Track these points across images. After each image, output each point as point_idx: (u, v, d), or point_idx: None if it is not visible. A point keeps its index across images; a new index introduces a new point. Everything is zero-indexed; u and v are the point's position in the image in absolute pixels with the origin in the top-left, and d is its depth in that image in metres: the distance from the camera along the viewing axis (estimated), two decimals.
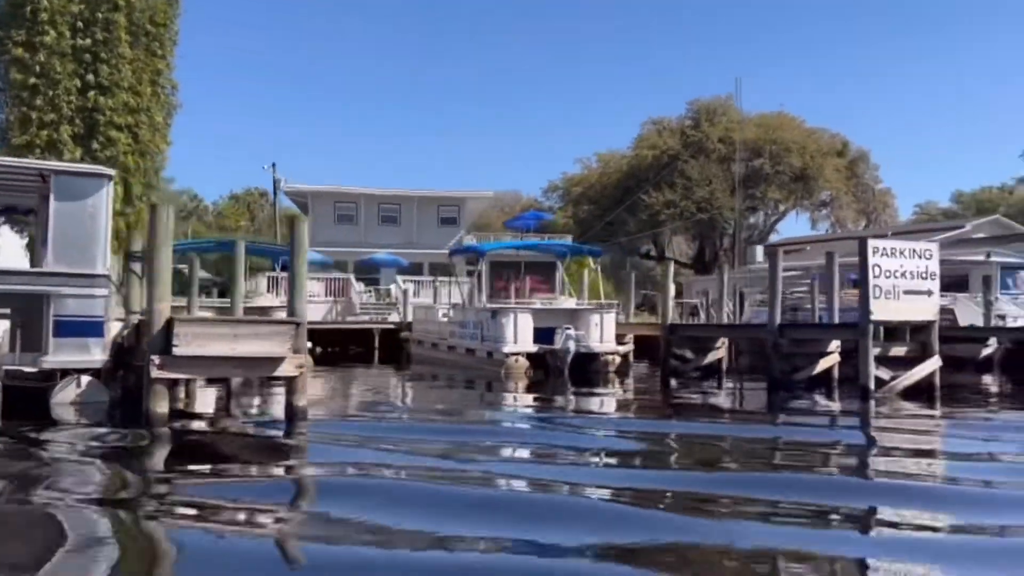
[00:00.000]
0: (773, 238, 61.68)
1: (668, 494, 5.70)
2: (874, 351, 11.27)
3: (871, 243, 11.13)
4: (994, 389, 16.04)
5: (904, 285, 11.15)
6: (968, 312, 21.06)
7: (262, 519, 4.83)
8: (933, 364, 11.43)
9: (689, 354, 16.06)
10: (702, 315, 28.35)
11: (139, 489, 5.52)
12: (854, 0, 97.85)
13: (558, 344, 14.55)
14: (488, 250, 17.02)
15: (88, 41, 20.77)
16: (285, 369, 7.31)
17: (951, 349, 20.10)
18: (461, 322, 16.73)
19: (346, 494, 5.39)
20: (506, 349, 14.50)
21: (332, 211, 35.98)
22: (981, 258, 22.31)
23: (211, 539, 4.41)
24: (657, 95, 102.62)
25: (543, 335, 14.99)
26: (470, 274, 37.59)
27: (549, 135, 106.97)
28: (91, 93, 20.80)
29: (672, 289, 15.97)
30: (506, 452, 7.51)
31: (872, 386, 11.09)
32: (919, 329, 11.59)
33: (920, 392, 11.56)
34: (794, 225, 65.23)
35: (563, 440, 8.19)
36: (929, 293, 11.35)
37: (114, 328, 9.36)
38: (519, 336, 14.65)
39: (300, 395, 7.52)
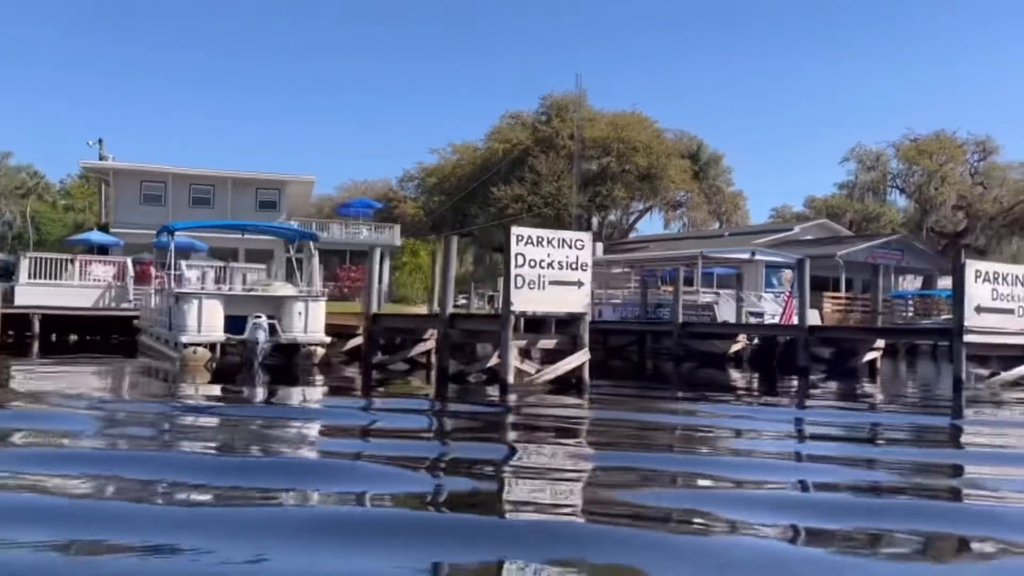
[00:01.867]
0: (632, 236, 62.64)
1: None
2: (519, 343, 10.71)
3: (515, 231, 10.53)
4: (723, 382, 15.93)
5: (551, 275, 10.61)
6: (731, 309, 21.28)
7: None
8: (581, 357, 10.94)
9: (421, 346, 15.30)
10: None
11: None
12: (724, 8, 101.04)
13: (247, 334, 13.45)
14: (176, 228, 15.72)
15: None
16: None
17: (706, 345, 20.26)
18: (160, 309, 15.40)
19: None
20: (184, 338, 13.23)
21: (138, 190, 33.59)
22: (746, 256, 22.58)
23: None
24: (526, 87, 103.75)
25: (240, 324, 13.85)
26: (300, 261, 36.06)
27: (424, 125, 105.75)
28: None
29: (380, 275, 15.09)
30: None
31: (511, 379, 10.51)
32: (569, 321, 11.10)
33: (569, 386, 11.09)
34: (648, 225, 66.59)
35: None
36: (579, 284, 10.85)
37: None
38: (203, 324, 13.42)
39: None
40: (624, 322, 22.44)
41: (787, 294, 20.88)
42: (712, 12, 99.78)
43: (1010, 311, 13.42)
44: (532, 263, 10.46)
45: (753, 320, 20.81)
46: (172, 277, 15.13)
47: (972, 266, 13.32)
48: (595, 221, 64.42)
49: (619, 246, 52.46)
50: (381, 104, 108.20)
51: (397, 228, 38.25)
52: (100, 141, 42.92)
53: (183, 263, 26.63)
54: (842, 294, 37.49)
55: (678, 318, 19.04)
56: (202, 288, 15.06)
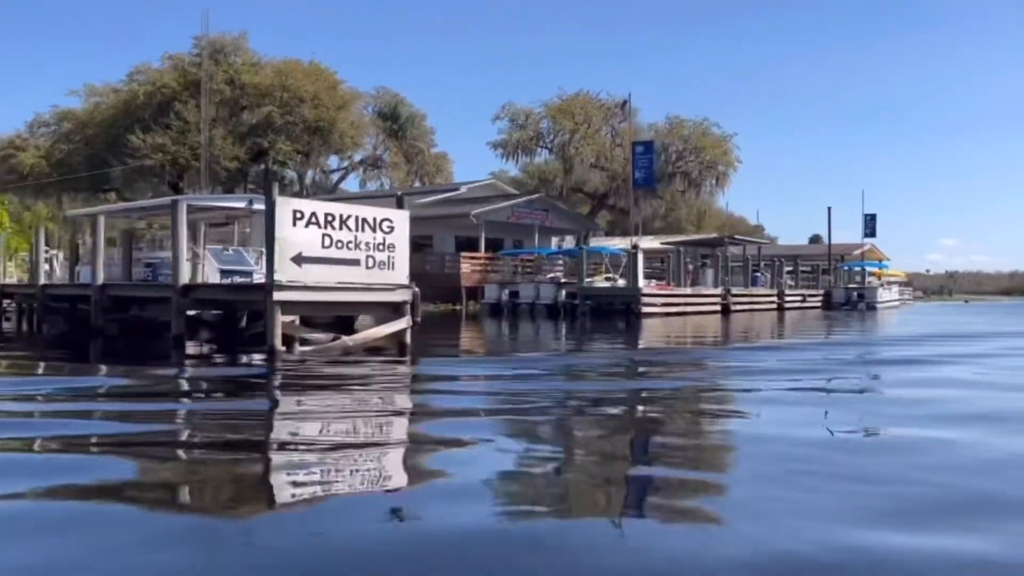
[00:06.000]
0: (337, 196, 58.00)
1: None
2: None
3: None
4: None
5: None
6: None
7: None
8: None
9: None
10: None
11: None
12: None
13: None
14: None
15: None
16: None
17: (146, 310, 16.41)
18: None
19: None
20: None
21: None
22: (241, 206, 18.87)
23: None
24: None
25: None
26: None
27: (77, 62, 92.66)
28: None
29: None
30: None
31: None
32: None
33: None
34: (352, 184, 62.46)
35: None
36: None
37: None
38: None
39: None
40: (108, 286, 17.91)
41: None
42: None
43: (353, 262, 10.58)
44: None
45: (240, 280, 17.16)
46: None
47: (288, 205, 10.23)
48: (292, 177, 59.27)
49: None
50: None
51: None
52: None
53: None
54: (481, 254, 35.81)
55: (98, 280, 14.89)
56: None
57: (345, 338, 10.74)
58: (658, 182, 38.28)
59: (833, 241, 56.80)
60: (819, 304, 35.91)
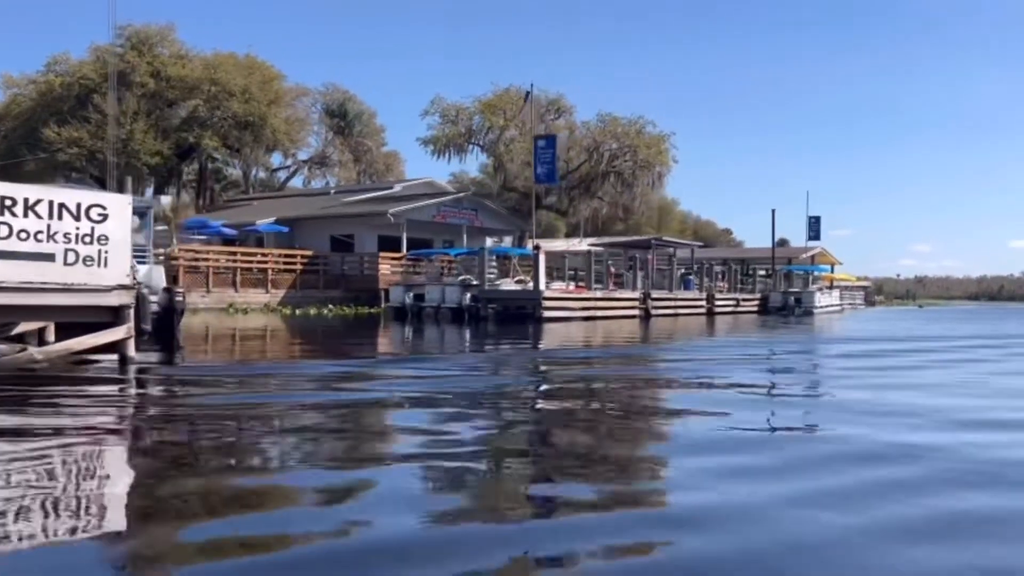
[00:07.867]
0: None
1: None
2: None
3: None
4: None
5: None
6: None
7: None
8: None
9: None
10: None
11: None
12: None
13: None
14: None
15: None
16: None
17: None
18: None
19: None
20: None
21: None
22: None
23: None
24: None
25: None
26: None
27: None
28: None
29: None
30: None
31: None
32: None
33: None
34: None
35: None
36: None
37: None
38: None
39: None
40: None
41: None
42: None
43: (46, 256, 8.52)
44: None
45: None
46: None
47: None
48: (236, 174, 56.97)
49: (234, 204, 45.64)
50: None
51: None
52: None
53: None
54: (401, 254, 33.74)
55: None
56: None
57: (33, 350, 8.68)
58: (592, 182, 36.40)
59: (793, 245, 55.48)
60: (755, 308, 34.09)
